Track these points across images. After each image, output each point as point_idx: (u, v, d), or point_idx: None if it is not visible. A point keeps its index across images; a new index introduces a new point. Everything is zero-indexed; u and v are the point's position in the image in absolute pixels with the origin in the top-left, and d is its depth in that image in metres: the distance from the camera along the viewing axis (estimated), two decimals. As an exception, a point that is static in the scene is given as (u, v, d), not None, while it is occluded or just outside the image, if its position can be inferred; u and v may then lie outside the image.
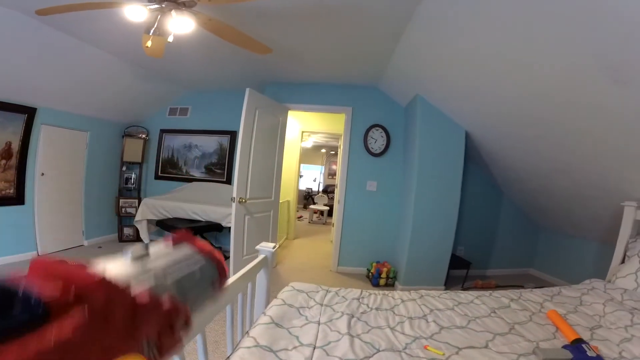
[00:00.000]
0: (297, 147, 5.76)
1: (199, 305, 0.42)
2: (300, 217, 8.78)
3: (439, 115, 3.45)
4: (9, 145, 3.40)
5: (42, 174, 3.78)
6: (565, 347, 1.34)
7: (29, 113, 3.52)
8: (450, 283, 3.64)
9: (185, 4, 2.03)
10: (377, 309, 1.68)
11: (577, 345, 1.33)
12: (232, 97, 4.61)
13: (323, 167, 12.20)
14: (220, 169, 4.78)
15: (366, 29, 2.63)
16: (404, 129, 3.99)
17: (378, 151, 4.01)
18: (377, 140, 4.01)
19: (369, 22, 2.52)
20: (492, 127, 3.22)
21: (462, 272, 3.77)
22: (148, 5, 1.99)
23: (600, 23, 1.55)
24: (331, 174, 11.87)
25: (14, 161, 3.47)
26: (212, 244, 4.34)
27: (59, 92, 3.66)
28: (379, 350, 1.29)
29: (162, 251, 0.41)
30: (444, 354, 1.28)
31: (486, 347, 1.37)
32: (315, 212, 8.75)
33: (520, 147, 3.15)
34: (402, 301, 1.79)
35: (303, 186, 11.16)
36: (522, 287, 2.79)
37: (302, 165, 6.82)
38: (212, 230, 4.00)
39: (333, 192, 9.46)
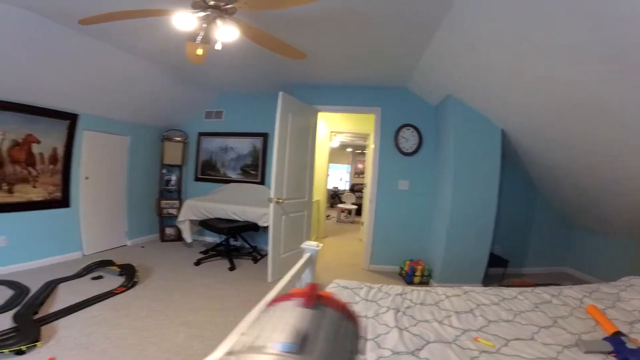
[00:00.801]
0: (325, 147, 5.88)
1: None
2: (328, 216, 8.89)
3: (473, 114, 3.46)
4: (54, 150, 3.62)
5: (87, 178, 4.01)
6: (605, 339, 1.41)
7: (72, 119, 3.73)
8: (487, 281, 3.64)
9: (227, 11, 2.13)
10: (421, 304, 1.77)
11: (617, 338, 1.39)
12: (262, 99, 4.78)
13: (349, 166, 12.26)
14: (254, 170, 4.98)
15: (395, 34, 2.68)
16: (436, 129, 4.01)
17: (410, 150, 4.05)
18: (408, 140, 4.05)
19: (398, 27, 2.58)
20: (525, 125, 3.21)
21: (497, 270, 3.76)
22: (194, 13, 2.06)
23: (624, 25, 1.56)
24: (357, 173, 11.92)
25: (59, 166, 3.69)
26: (248, 243, 4.55)
27: (100, 99, 3.85)
28: (428, 342, 1.37)
29: (314, 325, 0.40)
30: (493, 345, 1.36)
31: (532, 339, 1.45)
32: (342, 211, 8.84)
33: (553, 145, 3.13)
34: (447, 297, 1.87)
35: (329, 185, 11.26)
36: (558, 285, 2.79)
37: (329, 164, 6.92)
38: (249, 230, 4.19)
39: (360, 190, 9.51)
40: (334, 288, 1.92)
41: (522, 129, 3.31)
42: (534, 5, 1.87)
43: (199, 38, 2.26)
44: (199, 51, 2.37)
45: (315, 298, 0.44)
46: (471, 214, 3.49)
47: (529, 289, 2.05)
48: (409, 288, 1.99)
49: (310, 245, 2.06)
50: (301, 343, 0.35)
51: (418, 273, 3.69)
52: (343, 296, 1.82)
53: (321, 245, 2.10)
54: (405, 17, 2.41)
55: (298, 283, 1.77)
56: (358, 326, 0.45)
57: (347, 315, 0.45)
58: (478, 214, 3.49)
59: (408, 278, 3.70)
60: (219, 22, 2.13)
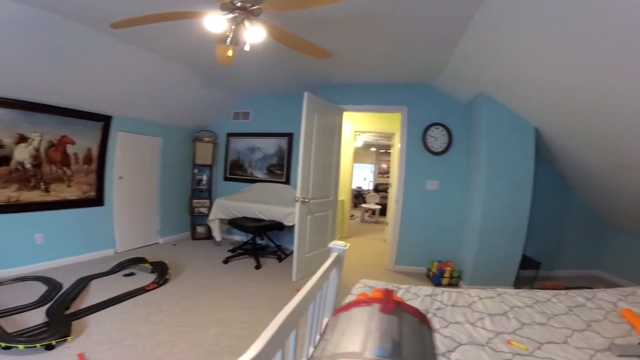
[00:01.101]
0: (350, 146, 5.86)
1: None
2: (352, 216, 8.85)
3: (505, 112, 3.34)
4: (89, 151, 3.78)
5: (120, 177, 4.17)
6: None
7: (105, 121, 3.88)
8: (518, 284, 3.50)
9: (254, 12, 2.15)
10: (452, 305, 1.74)
11: None
12: (287, 100, 4.82)
13: (373, 165, 12.16)
14: (279, 169, 5.03)
15: (423, 32, 2.64)
16: (467, 127, 3.89)
17: (439, 150, 3.96)
18: (437, 139, 3.96)
19: (427, 25, 2.53)
20: (561, 124, 3.07)
21: (528, 272, 3.62)
22: (224, 15, 2.10)
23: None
24: (381, 173, 11.80)
25: (94, 166, 3.86)
26: (273, 242, 4.61)
27: (132, 101, 3.99)
28: (460, 344, 1.35)
29: (405, 337, 0.41)
30: (527, 348, 1.34)
31: (565, 342, 1.43)
32: (366, 211, 8.78)
33: (590, 143, 2.97)
34: (480, 298, 1.83)
35: (353, 185, 11.21)
36: (591, 288, 2.66)
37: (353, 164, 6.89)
38: (275, 229, 4.23)
39: (384, 190, 9.41)
40: (361, 288, 1.91)
41: (558, 127, 3.16)
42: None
43: (229, 40, 2.31)
44: (230, 52, 2.41)
45: (393, 303, 0.42)
46: (504, 215, 3.37)
47: (562, 292, 2.00)
48: (438, 289, 1.95)
49: (337, 244, 2.05)
50: (393, 348, 0.35)
51: (447, 274, 3.60)
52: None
53: (348, 245, 2.09)
54: (433, 15, 2.35)
55: (326, 283, 1.77)
56: (433, 332, 0.44)
57: (423, 321, 0.45)
58: (511, 214, 3.37)
59: (435, 279, 3.62)
60: (246, 24, 2.18)
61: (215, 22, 2.10)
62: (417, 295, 1.86)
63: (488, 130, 3.37)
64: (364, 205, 8.99)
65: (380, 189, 10.41)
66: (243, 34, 2.24)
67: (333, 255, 1.96)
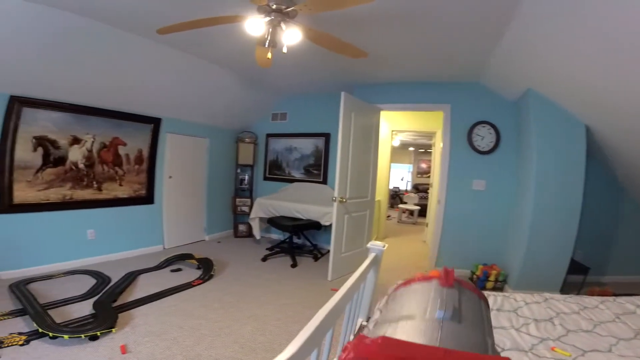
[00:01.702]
0: (387, 146, 5.76)
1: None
2: (389, 216, 8.71)
3: (555, 109, 3.12)
4: (140, 152, 4.02)
5: (170, 177, 4.41)
6: None
7: (155, 123, 4.10)
8: (565, 289, 3.26)
9: (289, 14, 2.18)
10: (498, 309, 1.72)
11: None
12: (323, 100, 4.85)
13: (411, 165, 11.88)
14: (316, 169, 5.06)
15: (462, 28, 2.54)
16: (515, 125, 3.68)
17: (486, 149, 3.77)
18: (484, 138, 3.77)
19: (465, 22, 2.43)
20: (614, 121, 2.82)
21: (577, 277, 3.37)
22: (262, 18, 2.17)
23: None
24: (420, 173, 11.49)
25: (144, 166, 4.11)
26: (310, 241, 4.64)
27: (180, 104, 4.20)
28: (503, 349, 1.33)
29: (464, 306, 0.42)
30: (570, 355, 1.31)
31: (610, 351, 1.39)
32: (404, 212, 8.59)
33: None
34: (526, 303, 1.81)
35: (390, 185, 11.03)
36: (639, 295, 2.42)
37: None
38: (312, 228, 4.27)
39: (424, 190, 9.16)
40: (401, 290, 1.86)
41: (610, 125, 2.92)
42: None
43: (267, 42, 2.36)
44: (269, 55, 2.47)
45: (453, 279, 0.46)
46: (553, 217, 3.15)
47: (611, 299, 1.92)
48: (484, 293, 1.86)
49: (376, 245, 2.01)
50: (453, 312, 0.37)
51: (492, 278, 3.43)
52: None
53: (387, 245, 2.04)
54: (473, 9, 2.25)
55: (363, 283, 1.74)
56: (489, 309, 0.47)
57: (481, 297, 0.47)
58: (561, 216, 3.15)
59: (480, 283, 3.45)
60: (283, 26, 2.21)
61: (254, 25, 2.16)
62: (461, 299, 1.79)
63: (537, 128, 3.17)
64: (401, 205, 8.80)
65: (420, 189, 10.14)
66: (280, 36, 2.28)
67: (371, 256, 1.93)
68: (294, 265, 3.98)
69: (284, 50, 2.44)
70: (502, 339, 1.41)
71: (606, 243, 3.90)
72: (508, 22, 2.39)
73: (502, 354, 1.25)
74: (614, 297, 1.95)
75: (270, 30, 2.28)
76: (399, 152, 11.12)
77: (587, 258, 3.68)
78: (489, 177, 3.80)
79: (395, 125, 5.80)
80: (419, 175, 11.54)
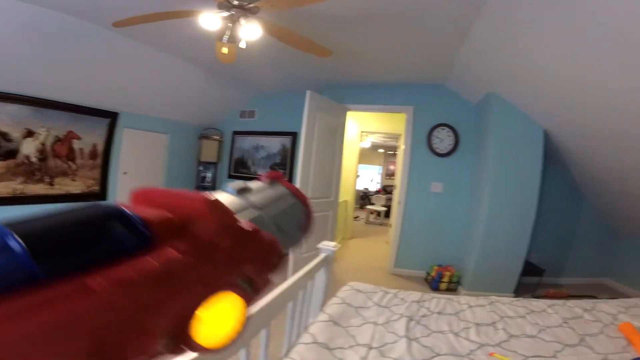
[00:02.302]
0: (355, 147, 5.82)
1: (288, 246, 0.40)
2: (357, 217, 8.79)
3: (515, 113, 3.26)
4: (94, 146, 3.85)
5: (125, 173, 4.23)
6: None
7: (112, 117, 3.94)
8: (520, 291, 3.42)
9: (251, 10, 2.17)
10: (439, 313, 1.67)
11: None
12: (293, 99, 4.79)
13: (381, 167, 12.08)
14: (282, 168, 5.02)
15: (429, 30, 2.60)
16: (476, 129, 3.80)
17: (444, 151, 3.88)
18: (443, 140, 3.89)
19: (432, 23, 2.49)
20: (573, 126, 2.97)
21: (533, 279, 3.53)
22: (219, 13, 2.13)
23: None
24: (389, 175, 11.70)
25: (99, 161, 3.93)
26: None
27: (140, 98, 4.05)
28: (438, 354, 1.29)
29: (260, 186, 0.41)
30: None
31: (554, 357, 1.34)
32: (372, 213, 8.71)
33: (602, 146, 2.87)
34: (470, 307, 1.76)
35: (360, 186, 11.16)
36: (595, 297, 2.57)
37: (359, 165, 6.85)
38: (274, 227, 4.22)
39: (391, 192, 9.32)
40: (348, 291, 1.88)
41: (568, 129, 3.07)
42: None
43: (226, 37, 2.32)
44: (224, 50, 2.44)
45: (273, 178, 0.44)
46: (509, 220, 3.29)
47: (560, 302, 1.91)
48: (428, 295, 1.90)
49: (326, 245, 2.03)
50: (241, 190, 0.36)
51: (446, 279, 3.54)
52: (356, 300, 1.77)
53: (339, 245, 2.06)
54: (439, 10, 2.31)
55: (310, 282, 1.75)
56: (310, 211, 0.44)
57: (299, 197, 0.43)
58: (516, 219, 3.29)
59: (434, 284, 3.56)
60: (242, 21, 2.18)
61: (209, 20, 2.12)
62: (405, 300, 1.82)
63: (497, 132, 3.29)
64: (369, 206, 8.92)
65: (388, 190, 10.32)
66: (240, 32, 2.25)
67: (321, 256, 1.95)
68: (255, 265, 3.92)
69: (243, 45, 2.41)
70: (438, 344, 1.36)
71: (563, 245, 4.07)
72: (472, 24, 2.46)
73: (436, 359, 1.27)
74: (563, 301, 1.94)
75: (230, 25, 2.25)
76: (370, 154, 11.28)
77: (544, 260, 3.83)
78: (447, 180, 3.92)
79: (365, 126, 5.86)
80: (387, 177, 11.75)
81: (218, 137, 5.29)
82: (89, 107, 3.68)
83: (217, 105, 5.04)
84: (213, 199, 0.27)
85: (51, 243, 0.18)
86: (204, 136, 5.22)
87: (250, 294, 0.29)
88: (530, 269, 3.50)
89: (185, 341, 0.23)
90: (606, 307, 1.85)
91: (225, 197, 0.34)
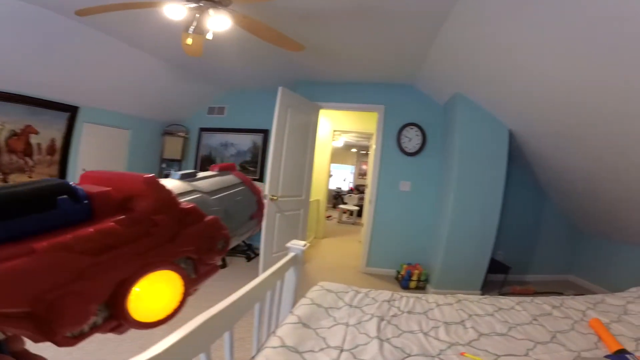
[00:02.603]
0: (328, 146, 5.78)
1: (237, 233, 0.39)
2: (329, 216, 8.78)
3: (481, 113, 3.33)
4: (52, 141, 3.62)
5: (83, 170, 3.99)
6: (607, 357, 1.30)
7: (72, 112, 3.74)
8: (487, 288, 3.50)
9: (222, 2, 2.08)
10: (409, 312, 1.65)
11: (620, 356, 1.27)
12: (265, 96, 4.68)
13: (354, 166, 12.15)
14: (253, 166, 4.90)
15: (400, 28, 2.60)
16: (443, 128, 3.87)
17: (413, 150, 3.92)
18: (411, 139, 3.92)
19: (403, 22, 2.49)
20: (537, 125, 3.07)
21: (500, 276, 3.63)
22: (187, 4, 2.04)
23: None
24: (362, 174, 11.80)
25: (57, 157, 3.69)
26: (243, 242, 4.47)
27: (101, 92, 3.85)
28: (410, 355, 1.26)
29: (208, 174, 0.40)
30: None
31: (526, 355, 1.33)
32: (344, 212, 8.72)
33: (566, 146, 2.98)
34: (438, 305, 1.74)
35: (333, 186, 11.17)
36: (561, 294, 2.66)
37: (332, 164, 6.83)
38: (244, 227, 4.10)
39: (363, 191, 9.39)
40: (318, 291, 1.82)
41: (532, 129, 3.17)
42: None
43: (192, 28, 2.21)
44: (189, 41, 2.33)
45: (224, 168, 0.43)
46: (473, 218, 3.35)
47: (528, 299, 1.91)
48: (398, 294, 1.87)
49: (295, 244, 1.96)
50: (185, 175, 0.35)
51: (414, 277, 3.56)
52: (326, 300, 1.71)
53: (308, 244, 1.99)
54: (409, 10, 2.31)
55: (279, 281, 1.67)
56: (261, 199, 0.43)
57: (249, 186, 0.42)
58: (481, 218, 3.36)
59: (404, 282, 3.57)
60: (211, 12, 2.08)
61: (175, 10, 2.01)
62: (376, 300, 1.78)
63: (462, 131, 3.35)
64: (342, 206, 8.93)
65: (360, 190, 10.40)
66: (208, 23, 2.15)
67: (290, 255, 1.88)
68: (223, 266, 3.79)
69: (209, 36, 2.30)
70: (409, 344, 1.32)
71: (528, 243, 4.21)
72: (440, 25, 2.48)
73: None
74: (531, 298, 1.94)
75: (198, 16, 2.14)
76: (343, 153, 11.32)
77: (510, 258, 3.95)
78: (415, 179, 3.96)
79: (337, 125, 5.84)
80: (360, 177, 11.84)
81: (183, 134, 5.08)
82: (48, 100, 3.47)
83: (183, 101, 4.85)
84: (151, 176, 0.27)
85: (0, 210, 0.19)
86: (167, 132, 5.01)
87: (190, 274, 0.29)
88: (496, 266, 3.59)
89: (120, 313, 0.24)
90: (575, 303, 1.88)
91: (169, 181, 0.33)
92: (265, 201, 3.29)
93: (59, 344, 0.22)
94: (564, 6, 1.72)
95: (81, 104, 3.81)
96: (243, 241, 4.48)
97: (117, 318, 0.24)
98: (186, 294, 0.29)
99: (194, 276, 0.30)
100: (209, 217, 0.31)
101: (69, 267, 0.20)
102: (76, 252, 0.21)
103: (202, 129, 5.16)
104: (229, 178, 0.42)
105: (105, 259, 0.22)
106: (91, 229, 0.22)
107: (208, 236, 0.31)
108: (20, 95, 3.19)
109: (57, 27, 2.79)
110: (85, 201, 0.23)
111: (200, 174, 0.38)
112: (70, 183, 0.24)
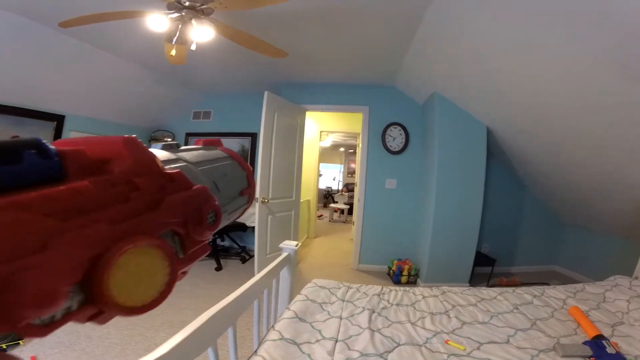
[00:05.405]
0: (315, 146, 5.86)
1: (227, 209, 0.37)
2: (321, 215, 8.87)
3: (458, 112, 3.46)
4: None
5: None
6: (585, 343, 1.36)
7: (58, 120, 3.75)
8: (475, 281, 3.64)
9: (204, 11, 2.12)
10: (397, 304, 1.74)
11: (597, 342, 1.34)
12: (251, 99, 4.74)
13: (342, 165, 12.26)
14: (242, 170, 4.94)
15: (377, 29, 2.68)
16: (423, 127, 4.00)
17: (397, 149, 4.05)
18: (395, 138, 4.05)
19: (380, 23, 2.57)
20: (511, 122, 3.22)
21: (487, 269, 3.77)
22: (169, 14, 2.08)
23: (607, 19, 1.56)
24: (350, 173, 11.92)
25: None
26: (237, 243, 4.52)
27: (86, 100, 3.85)
28: (399, 344, 1.35)
29: (192, 147, 0.38)
30: (464, 349, 1.33)
31: (507, 342, 1.40)
32: (335, 211, 8.83)
33: (538, 141, 3.14)
34: (424, 297, 1.84)
35: (322, 185, 11.28)
36: (547, 284, 2.80)
37: (321, 164, 6.92)
38: (237, 230, 4.16)
39: (353, 190, 9.50)
40: (312, 288, 1.90)
41: (508, 125, 3.31)
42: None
43: (175, 39, 2.26)
44: (173, 52, 2.37)
45: (209, 143, 0.41)
46: (456, 213, 3.48)
47: (510, 289, 2.01)
48: (387, 288, 1.97)
49: (288, 244, 2.04)
50: (168, 145, 0.34)
51: (405, 272, 3.68)
52: (320, 296, 1.81)
53: (300, 244, 2.08)
54: (386, 11, 2.39)
55: (275, 279, 1.76)
56: (251, 174, 0.42)
57: (238, 160, 0.41)
58: (463, 212, 3.49)
59: (395, 278, 3.69)
60: (194, 22, 2.13)
61: (157, 21, 2.05)
62: (366, 294, 1.88)
63: (441, 130, 3.48)
64: (332, 205, 9.03)
65: (350, 188, 10.52)
66: (190, 33, 2.20)
67: (283, 255, 1.96)
68: (218, 269, 3.84)
69: (193, 47, 2.36)
70: (397, 334, 1.42)
71: (512, 236, 4.35)
72: (417, 27, 2.57)
73: (397, 349, 1.29)
74: (514, 288, 2.03)
75: (180, 26, 2.18)
76: (331, 153, 11.42)
77: (495, 250, 4.10)
78: (400, 176, 4.09)
79: (324, 126, 5.92)
80: (349, 175, 11.95)
81: (170, 139, 5.08)
82: (34, 109, 3.47)
83: (167, 106, 4.84)
84: (132, 136, 0.25)
85: None
86: (154, 138, 5.01)
87: (178, 253, 0.26)
88: (482, 259, 3.72)
89: (98, 296, 0.20)
90: (555, 292, 1.98)
91: (151, 150, 0.30)
92: (257, 204, 3.38)
93: (24, 333, 0.17)
94: (535, 6, 1.82)
95: (67, 112, 3.80)
96: (237, 243, 4.55)
97: (95, 302, 0.21)
98: (174, 274, 0.25)
99: (182, 255, 0.27)
100: (197, 186, 0.28)
101: (31, 232, 0.17)
102: (40, 213, 0.17)
103: (189, 134, 5.18)
104: (216, 152, 0.40)
105: (75, 224, 0.19)
106: (60, 188, 0.19)
107: (196, 206, 0.27)
108: (5, 105, 3.18)
109: (41, 36, 2.79)
110: (56, 158, 0.21)
111: (185, 147, 0.36)
112: (41, 140, 0.21)
